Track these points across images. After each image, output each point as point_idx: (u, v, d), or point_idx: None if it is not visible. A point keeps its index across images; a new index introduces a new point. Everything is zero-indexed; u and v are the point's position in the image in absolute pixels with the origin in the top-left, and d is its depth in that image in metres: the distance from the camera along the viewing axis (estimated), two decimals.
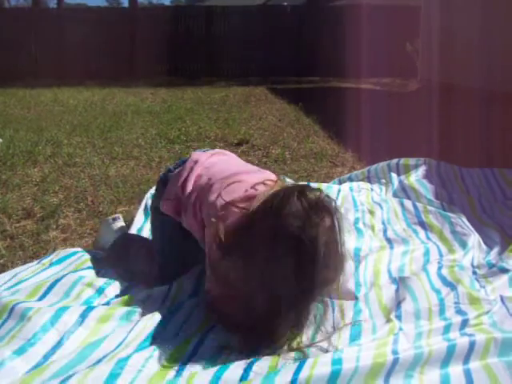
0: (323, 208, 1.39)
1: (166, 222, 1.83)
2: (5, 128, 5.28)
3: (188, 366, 1.34)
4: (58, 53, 13.46)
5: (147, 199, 2.57)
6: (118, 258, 1.97)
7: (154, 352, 1.36)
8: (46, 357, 1.35)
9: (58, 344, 1.40)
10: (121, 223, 2.22)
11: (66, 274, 1.76)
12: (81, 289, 1.69)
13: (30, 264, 1.97)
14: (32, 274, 1.84)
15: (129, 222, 2.37)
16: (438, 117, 5.37)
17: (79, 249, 2.07)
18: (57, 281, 1.71)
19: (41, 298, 1.63)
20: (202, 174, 1.77)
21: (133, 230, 2.28)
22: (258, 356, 1.36)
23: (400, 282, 1.76)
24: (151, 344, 1.41)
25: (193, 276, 1.82)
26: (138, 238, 2.18)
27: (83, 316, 1.49)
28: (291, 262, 1.34)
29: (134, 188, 3.10)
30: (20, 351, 1.34)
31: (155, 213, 1.91)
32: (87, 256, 1.98)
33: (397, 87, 10.62)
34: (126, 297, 1.67)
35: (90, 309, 1.53)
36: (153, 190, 2.37)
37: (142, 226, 2.32)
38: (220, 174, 1.71)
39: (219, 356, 1.39)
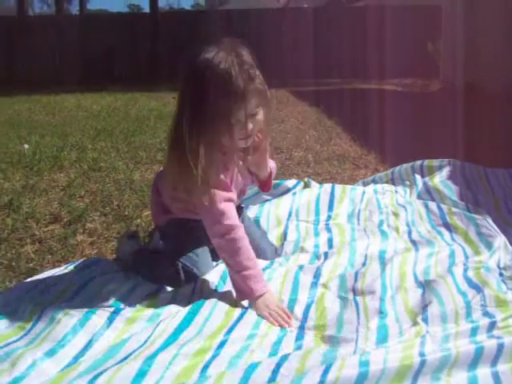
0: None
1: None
2: (31, 134, 5.37)
3: (213, 363, 1.35)
4: (80, 59, 13.63)
5: None
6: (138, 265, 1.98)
7: (180, 350, 1.37)
8: (76, 358, 1.38)
9: (87, 346, 1.42)
10: (135, 242, 2.12)
11: (92, 279, 1.79)
12: (107, 293, 1.71)
13: (56, 270, 2.00)
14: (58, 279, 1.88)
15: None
16: (461, 117, 5.33)
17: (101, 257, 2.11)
18: (83, 285, 1.74)
19: (68, 301, 1.66)
20: None
21: None
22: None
23: (426, 285, 1.76)
24: (176, 341, 1.42)
25: (217, 274, 1.84)
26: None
27: (111, 318, 1.51)
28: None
29: None
30: (51, 353, 1.37)
31: None
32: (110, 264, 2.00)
33: (419, 88, 10.53)
34: (152, 299, 1.69)
35: (117, 311, 1.55)
36: None
37: None
38: None
39: (243, 353, 1.40)
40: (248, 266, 1.64)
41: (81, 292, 1.72)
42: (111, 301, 1.66)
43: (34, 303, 1.61)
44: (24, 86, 11.51)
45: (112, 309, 1.57)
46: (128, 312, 1.56)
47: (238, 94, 1.55)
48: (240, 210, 1.98)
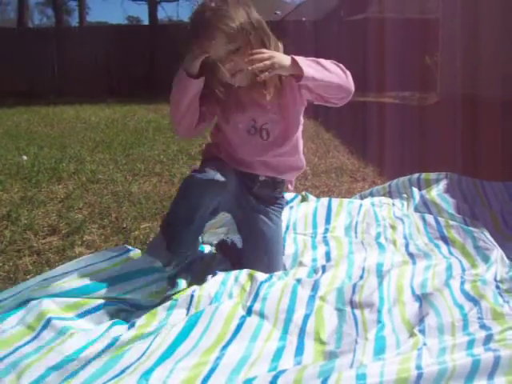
0: None
1: None
2: (29, 145, 5.39)
3: (211, 378, 1.35)
4: (79, 70, 13.69)
5: None
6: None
7: (176, 364, 1.37)
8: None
9: (88, 362, 1.41)
10: None
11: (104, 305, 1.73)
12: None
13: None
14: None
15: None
16: (458, 130, 5.36)
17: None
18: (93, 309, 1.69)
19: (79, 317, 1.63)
20: None
21: None
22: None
23: (423, 298, 1.77)
24: (173, 355, 1.42)
25: (218, 281, 1.84)
26: None
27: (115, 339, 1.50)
28: None
29: (157, 204, 3.14)
30: (57, 367, 1.36)
31: None
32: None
33: (416, 101, 10.59)
34: (151, 312, 1.67)
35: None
36: None
37: None
38: None
39: (241, 367, 1.40)
40: None
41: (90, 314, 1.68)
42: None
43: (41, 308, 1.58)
44: (23, 97, 11.56)
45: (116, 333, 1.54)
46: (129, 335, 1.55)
47: (207, 29, 1.73)
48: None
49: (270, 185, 2.07)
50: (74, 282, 1.66)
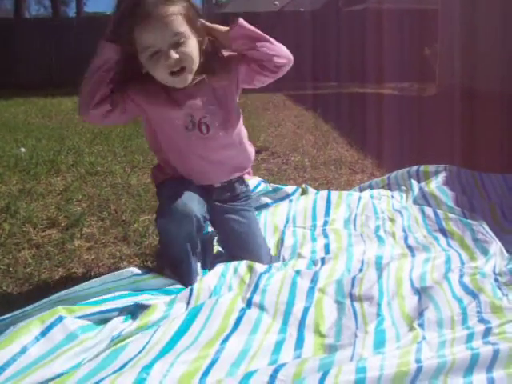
0: None
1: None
2: (27, 137, 5.38)
3: (212, 371, 1.36)
4: (77, 61, 13.61)
5: None
6: None
7: (177, 358, 1.37)
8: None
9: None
10: None
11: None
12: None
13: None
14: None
15: None
16: (457, 121, 5.36)
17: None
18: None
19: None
20: None
21: None
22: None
23: (422, 292, 1.77)
24: (173, 349, 1.42)
25: (217, 273, 1.85)
26: None
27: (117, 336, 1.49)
28: None
29: (156, 197, 3.13)
30: (60, 375, 1.33)
31: None
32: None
33: (415, 92, 10.58)
34: (152, 307, 1.67)
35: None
36: None
37: None
38: None
39: (242, 361, 1.41)
40: None
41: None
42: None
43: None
44: (20, 88, 11.51)
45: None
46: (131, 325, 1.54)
47: (143, 17, 1.60)
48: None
49: (227, 188, 2.00)
50: (94, 297, 1.65)
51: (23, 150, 4.60)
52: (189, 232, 1.75)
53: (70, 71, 13.54)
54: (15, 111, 8.09)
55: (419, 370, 1.30)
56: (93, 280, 1.70)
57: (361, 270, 1.99)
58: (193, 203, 1.76)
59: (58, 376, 1.32)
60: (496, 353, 1.36)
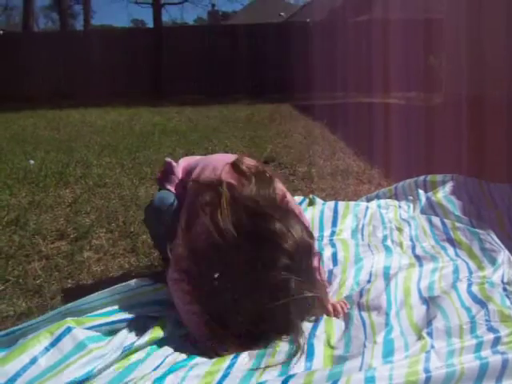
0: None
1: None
2: (36, 149, 5.42)
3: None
4: (85, 74, 13.74)
5: None
6: None
7: (188, 372, 1.38)
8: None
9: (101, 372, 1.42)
10: None
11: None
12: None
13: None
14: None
15: None
16: (463, 130, 5.35)
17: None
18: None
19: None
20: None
21: None
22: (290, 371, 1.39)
23: (430, 301, 1.77)
24: (185, 367, 1.43)
25: None
26: None
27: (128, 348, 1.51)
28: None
29: None
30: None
31: None
32: None
33: (422, 101, 10.58)
34: (163, 320, 1.67)
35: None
36: None
37: None
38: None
39: (253, 374, 1.41)
40: None
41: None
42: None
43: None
44: (29, 101, 11.61)
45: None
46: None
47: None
48: None
49: None
50: (102, 319, 1.65)
51: (32, 162, 4.63)
52: None
53: (78, 83, 13.73)
54: (24, 123, 8.15)
55: (428, 379, 1.30)
56: (100, 291, 1.72)
57: (369, 282, 1.99)
58: None
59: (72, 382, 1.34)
60: (505, 362, 1.35)
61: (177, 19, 39.89)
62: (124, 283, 1.75)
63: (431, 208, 2.76)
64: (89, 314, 1.61)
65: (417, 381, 1.29)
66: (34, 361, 1.39)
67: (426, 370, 1.32)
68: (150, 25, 18.78)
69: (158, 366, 1.43)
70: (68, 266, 2.34)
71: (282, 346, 1.53)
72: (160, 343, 1.57)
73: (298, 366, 1.46)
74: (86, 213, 3.14)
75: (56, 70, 14.12)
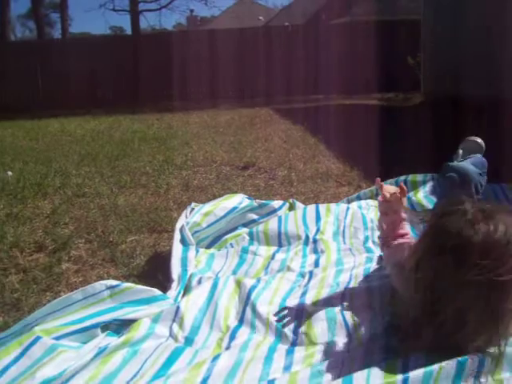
0: None
1: None
2: (14, 160, 5.37)
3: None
4: (63, 83, 13.64)
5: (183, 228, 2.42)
6: None
7: (167, 380, 1.36)
8: None
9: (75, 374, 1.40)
10: None
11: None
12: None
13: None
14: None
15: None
16: (442, 129, 5.39)
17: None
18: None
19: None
20: None
21: (175, 261, 2.18)
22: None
23: None
24: (166, 373, 1.41)
25: (204, 291, 1.83)
26: None
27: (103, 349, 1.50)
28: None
29: (143, 217, 3.13)
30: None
31: None
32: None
33: (401, 101, 10.65)
34: (137, 322, 1.67)
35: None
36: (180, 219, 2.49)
37: (186, 256, 2.24)
38: None
39: (235, 372, 1.41)
40: None
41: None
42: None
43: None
44: (7, 111, 11.48)
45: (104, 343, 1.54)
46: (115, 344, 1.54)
47: None
48: None
49: None
50: (71, 315, 1.64)
51: (10, 173, 4.58)
52: None
53: (57, 93, 13.62)
54: (2, 134, 8.07)
55: (405, 380, 1.29)
56: (62, 297, 1.72)
57: (349, 283, 1.98)
58: None
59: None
60: (482, 361, 1.35)
61: (155, 25, 39.86)
62: (88, 286, 1.73)
63: (412, 208, 2.77)
64: (56, 324, 1.58)
65: (395, 382, 1.28)
66: (4, 370, 1.39)
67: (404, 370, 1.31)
68: (129, 31, 18.72)
69: (136, 373, 1.41)
70: (46, 279, 2.31)
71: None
72: (136, 344, 1.55)
73: (279, 363, 1.46)
74: (65, 223, 3.10)
75: (34, 80, 14.00)
